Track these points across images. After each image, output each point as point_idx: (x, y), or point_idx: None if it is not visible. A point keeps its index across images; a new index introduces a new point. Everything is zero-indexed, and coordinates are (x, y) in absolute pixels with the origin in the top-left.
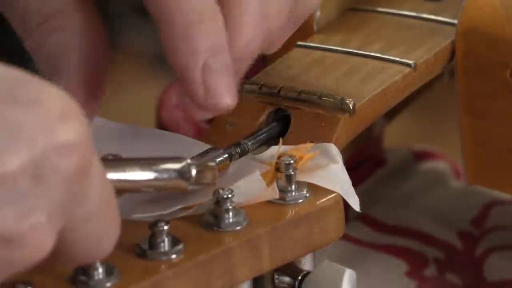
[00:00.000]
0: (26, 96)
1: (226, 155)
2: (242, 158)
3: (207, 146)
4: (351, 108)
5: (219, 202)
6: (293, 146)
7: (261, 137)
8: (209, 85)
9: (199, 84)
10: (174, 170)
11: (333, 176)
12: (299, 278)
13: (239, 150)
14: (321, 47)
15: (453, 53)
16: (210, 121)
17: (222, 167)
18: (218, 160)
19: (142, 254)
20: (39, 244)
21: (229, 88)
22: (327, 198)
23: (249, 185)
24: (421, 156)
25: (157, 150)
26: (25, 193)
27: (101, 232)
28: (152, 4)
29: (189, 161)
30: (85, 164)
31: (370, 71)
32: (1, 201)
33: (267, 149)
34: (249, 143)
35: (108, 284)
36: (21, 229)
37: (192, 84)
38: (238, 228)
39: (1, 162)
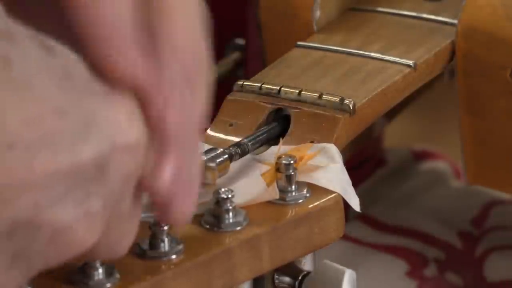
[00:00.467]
0: (102, 89)
1: (226, 156)
2: (242, 158)
3: (207, 147)
4: (351, 108)
5: (219, 202)
6: (293, 146)
7: (261, 137)
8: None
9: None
10: None
11: (333, 176)
12: (299, 278)
13: (239, 151)
14: (321, 47)
15: (453, 53)
16: (210, 121)
17: (222, 168)
18: (218, 160)
19: (142, 254)
20: (90, 231)
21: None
22: (327, 198)
23: (249, 186)
24: (421, 156)
25: None
26: (87, 181)
27: (126, 232)
28: None
29: None
30: (139, 166)
31: (370, 71)
32: (67, 187)
33: (267, 149)
34: (250, 144)
35: (108, 285)
36: (77, 214)
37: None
38: (238, 228)
39: (77, 150)
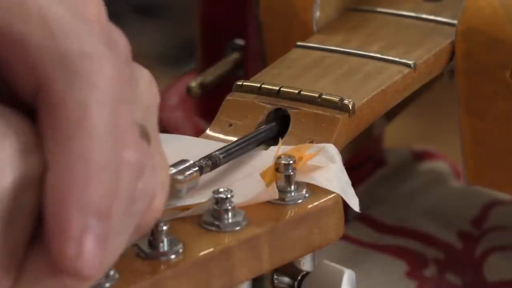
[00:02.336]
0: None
1: (196, 168)
2: (241, 158)
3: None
4: (350, 108)
5: (218, 202)
6: (292, 146)
7: (250, 141)
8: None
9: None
10: None
11: (333, 176)
12: (299, 278)
13: (210, 163)
14: (320, 47)
15: (453, 53)
16: (209, 121)
17: (190, 180)
18: (187, 173)
19: (141, 254)
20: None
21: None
22: (327, 198)
23: (249, 186)
24: (421, 156)
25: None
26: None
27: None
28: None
29: None
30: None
31: (370, 71)
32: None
33: (266, 149)
34: (221, 156)
35: (107, 285)
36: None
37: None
38: (237, 228)
39: None
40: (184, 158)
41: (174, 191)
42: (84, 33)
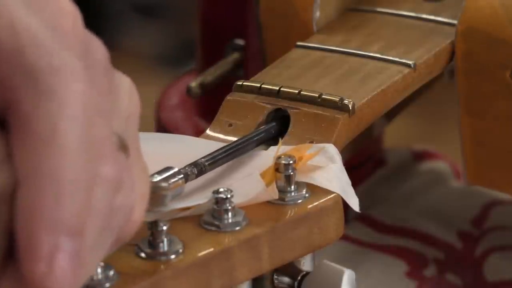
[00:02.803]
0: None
1: (181, 176)
2: (241, 158)
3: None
4: (350, 108)
5: (218, 202)
6: (292, 146)
7: (238, 147)
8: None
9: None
10: None
11: (333, 176)
12: (299, 278)
13: (196, 170)
14: (320, 47)
15: (453, 53)
16: (209, 121)
17: (175, 188)
18: (172, 181)
19: (141, 254)
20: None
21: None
22: (327, 198)
23: (248, 186)
24: (421, 156)
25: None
26: None
27: None
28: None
29: None
30: None
31: (370, 71)
32: None
33: (266, 149)
34: (206, 163)
35: (107, 285)
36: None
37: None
38: (237, 228)
39: None
40: (183, 158)
41: (158, 199)
42: (55, 46)
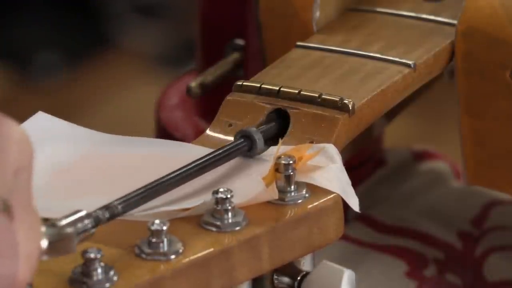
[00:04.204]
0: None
1: (91, 219)
2: (240, 158)
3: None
4: (350, 108)
5: (218, 202)
6: (292, 147)
7: (154, 188)
8: None
9: None
10: None
11: (333, 177)
12: (299, 278)
13: (108, 214)
14: (320, 47)
15: (452, 53)
16: (209, 121)
17: (85, 234)
18: (79, 225)
19: (141, 254)
20: None
21: None
22: (327, 198)
23: (248, 186)
24: (421, 156)
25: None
26: None
27: None
28: None
29: (43, 229)
30: None
31: (370, 71)
32: None
33: (266, 149)
34: (120, 206)
35: (107, 285)
36: None
37: None
38: (237, 228)
39: None
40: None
41: (64, 244)
42: None
